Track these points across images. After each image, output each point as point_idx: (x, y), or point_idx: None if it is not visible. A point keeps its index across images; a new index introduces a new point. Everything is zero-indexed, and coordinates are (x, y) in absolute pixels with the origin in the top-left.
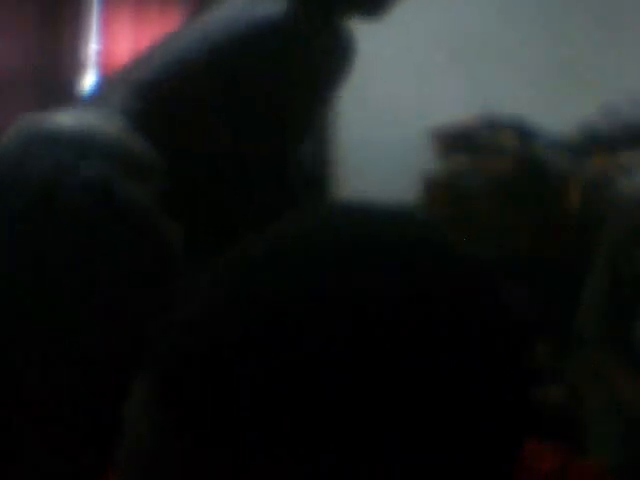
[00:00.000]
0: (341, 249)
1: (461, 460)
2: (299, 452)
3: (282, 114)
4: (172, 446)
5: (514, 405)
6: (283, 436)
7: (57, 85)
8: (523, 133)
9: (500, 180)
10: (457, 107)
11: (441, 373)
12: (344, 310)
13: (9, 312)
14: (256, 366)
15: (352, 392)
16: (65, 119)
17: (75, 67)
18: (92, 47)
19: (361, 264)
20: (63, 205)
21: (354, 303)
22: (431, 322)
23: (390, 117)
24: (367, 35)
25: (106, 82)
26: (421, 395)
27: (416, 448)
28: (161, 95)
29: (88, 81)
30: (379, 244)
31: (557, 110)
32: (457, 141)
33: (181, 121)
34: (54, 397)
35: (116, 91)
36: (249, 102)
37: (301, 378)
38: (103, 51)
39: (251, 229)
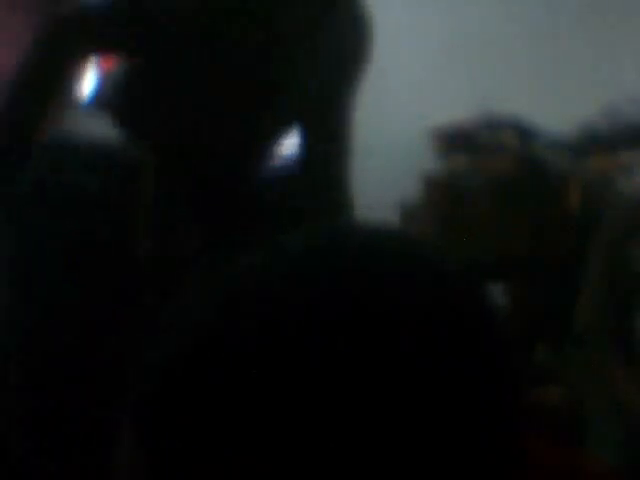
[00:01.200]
0: (346, 266)
1: (457, 460)
2: (294, 454)
3: None
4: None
5: (508, 405)
6: (287, 445)
7: None
8: (523, 133)
9: (500, 180)
10: (457, 107)
11: (435, 378)
12: (348, 323)
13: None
14: (258, 378)
15: (353, 398)
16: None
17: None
18: None
19: (362, 279)
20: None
21: (356, 317)
22: (427, 329)
23: (390, 117)
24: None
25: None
26: (417, 398)
27: (412, 450)
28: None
29: (88, 81)
30: (382, 262)
31: (557, 110)
32: (457, 141)
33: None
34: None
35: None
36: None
37: (299, 388)
38: None
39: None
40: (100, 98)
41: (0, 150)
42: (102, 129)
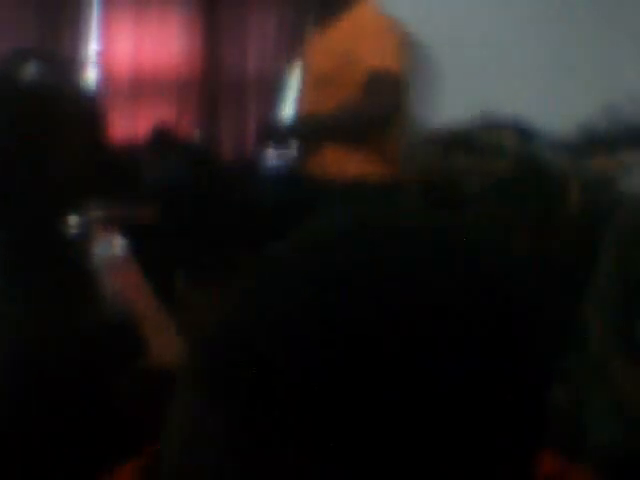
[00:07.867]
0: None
1: (479, 465)
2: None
3: None
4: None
5: (534, 409)
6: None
7: None
8: (522, 133)
9: (500, 180)
10: (457, 107)
11: (464, 374)
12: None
13: None
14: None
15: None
16: None
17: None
18: (92, 47)
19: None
20: None
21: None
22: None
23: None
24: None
25: None
26: (445, 396)
27: (434, 453)
28: None
29: (88, 81)
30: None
31: (557, 110)
32: (457, 141)
33: None
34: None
35: None
36: None
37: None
38: (103, 51)
39: None
40: None
41: None
42: None
